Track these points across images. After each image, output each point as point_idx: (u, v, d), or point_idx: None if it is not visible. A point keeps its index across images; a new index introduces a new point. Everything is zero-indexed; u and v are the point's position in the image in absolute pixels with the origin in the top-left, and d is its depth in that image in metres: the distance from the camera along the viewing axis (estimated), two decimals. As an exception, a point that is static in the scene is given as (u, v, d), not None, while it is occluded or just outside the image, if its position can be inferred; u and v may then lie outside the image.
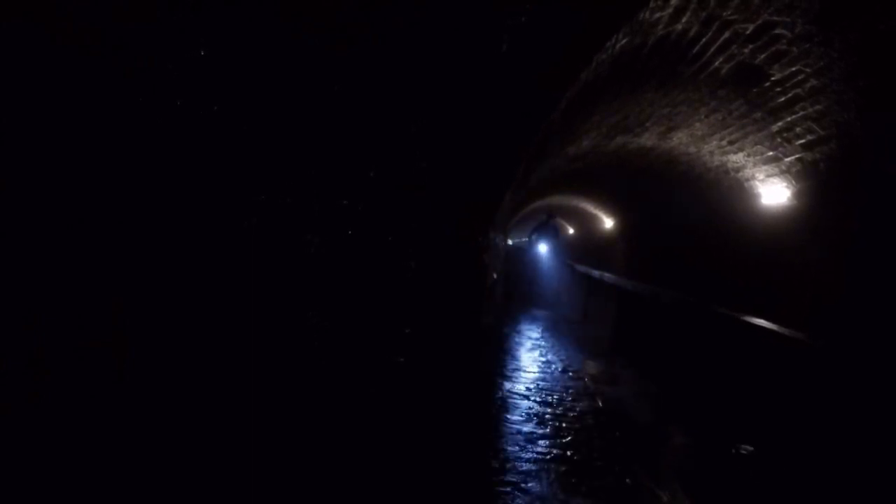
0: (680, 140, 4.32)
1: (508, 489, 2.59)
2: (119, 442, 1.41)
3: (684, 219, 5.74)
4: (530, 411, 4.09)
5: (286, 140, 1.60)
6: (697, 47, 2.62)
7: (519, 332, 8.12)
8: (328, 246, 1.74)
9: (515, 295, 11.99)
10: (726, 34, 2.48)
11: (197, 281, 1.50)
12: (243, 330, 1.58)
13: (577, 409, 4.31)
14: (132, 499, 1.42)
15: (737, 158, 4.06)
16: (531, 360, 6.01)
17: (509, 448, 3.14)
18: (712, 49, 2.64)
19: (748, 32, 2.45)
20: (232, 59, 1.46)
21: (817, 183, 3.47)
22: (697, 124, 3.88)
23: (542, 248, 11.76)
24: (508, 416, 3.88)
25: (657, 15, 2.20)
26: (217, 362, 1.53)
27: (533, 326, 9.00)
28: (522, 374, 5.33)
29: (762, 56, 2.67)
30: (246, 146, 1.54)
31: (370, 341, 1.88)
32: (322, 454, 1.75)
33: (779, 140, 3.45)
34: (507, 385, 4.81)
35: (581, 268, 10.28)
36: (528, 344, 7.13)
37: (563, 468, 2.99)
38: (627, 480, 2.95)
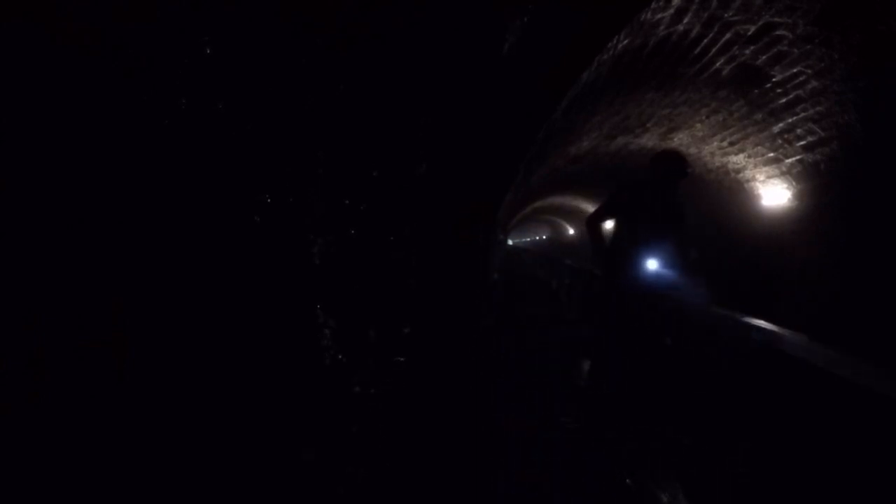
0: (681, 141, 4.32)
1: (513, 492, 2.59)
2: (119, 442, 1.41)
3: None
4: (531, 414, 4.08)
5: (290, 139, 1.60)
6: (699, 48, 2.62)
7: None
8: (331, 245, 1.74)
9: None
10: (728, 35, 2.48)
11: (201, 280, 1.50)
12: (251, 328, 1.58)
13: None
14: (133, 499, 1.42)
15: (737, 160, 4.05)
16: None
17: (510, 449, 3.14)
18: (713, 50, 2.64)
19: (750, 33, 2.45)
20: (234, 60, 1.46)
21: (818, 184, 3.47)
22: (698, 125, 3.88)
23: (652, 265, 3.23)
24: (508, 416, 3.87)
25: (658, 16, 2.20)
26: (224, 361, 1.53)
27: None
28: (524, 370, 5.32)
29: (763, 57, 2.67)
30: (249, 146, 1.53)
31: (372, 340, 1.88)
32: (327, 451, 1.75)
33: (780, 141, 3.45)
34: (507, 383, 4.80)
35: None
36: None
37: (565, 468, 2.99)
38: (627, 481, 2.95)
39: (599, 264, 3.62)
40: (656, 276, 3.26)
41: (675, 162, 2.97)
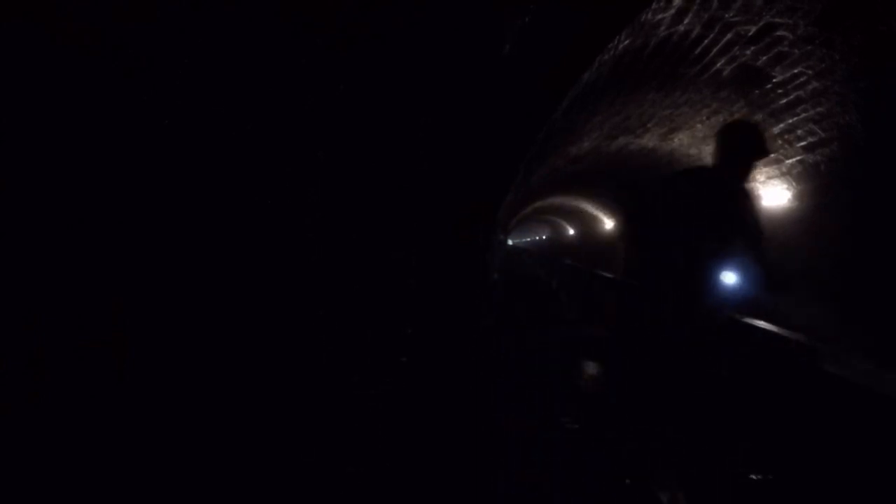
0: (681, 141, 4.31)
1: (513, 492, 2.59)
2: (119, 442, 1.41)
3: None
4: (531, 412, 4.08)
5: (290, 139, 1.60)
6: (699, 49, 2.62)
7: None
8: (331, 245, 1.74)
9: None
10: (728, 36, 2.48)
11: (201, 280, 1.50)
12: (251, 328, 1.58)
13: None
14: (133, 499, 1.42)
15: (738, 160, 4.05)
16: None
17: (510, 449, 3.14)
18: (714, 50, 2.64)
19: (750, 34, 2.45)
20: (234, 60, 1.46)
21: (818, 185, 3.47)
22: (699, 126, 3.88)
23: (730, 278, 2.25)
24: (508, 416, 3.87)
25: (659, 16, 2.20)
26: (224, 361, 1.53)
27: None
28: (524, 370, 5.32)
29: (764, 58, 2.66)
30: (249, 146, 1.53)
31: (372, 340, 1.88)
32: (329, 452, 1.75)
33: (780, 142, 3.45)
34: (507, 383, 4.80)
35: None
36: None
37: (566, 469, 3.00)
38: (627, 481, 2.95)
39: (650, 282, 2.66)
40: (735, 297, 2.44)
41: (753, 136, 2.24)
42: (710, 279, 2.31)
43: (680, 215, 2.27)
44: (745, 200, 2.32)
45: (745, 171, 2.30)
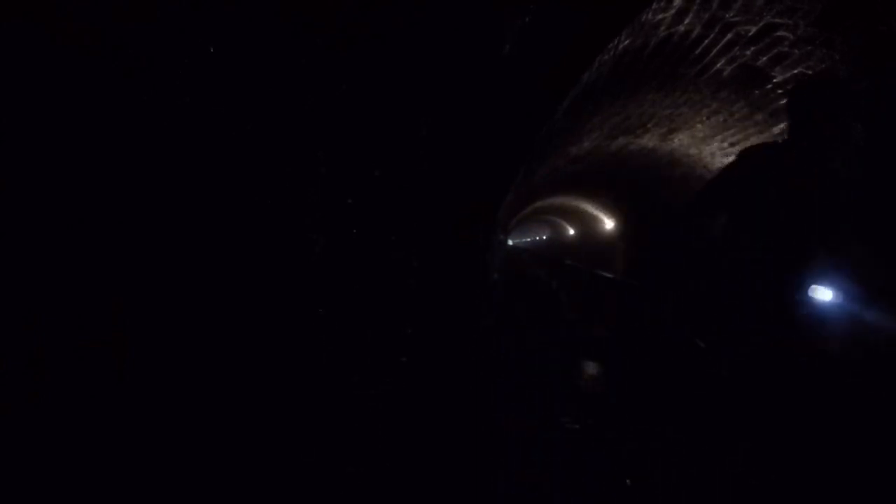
0: (681, 142, 4.31)
1: (513, 492, 2.59)
2: (119, 442, 1.41)
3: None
4: (531, 413, 4.08)
5: (290, 139, 1.60)
6: (699, 49, 2.62)
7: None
8: (331, 245, 1.74)
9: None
10: (728, 36, 2.48)
11: (201, 281, 1.50)
12: (251, 328, 1.58)
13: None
14: (133, 499, 1.42)
15: (738, 160, 4.05)
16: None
17: (510, 449, 3.14)
18: (714, 51, 2.64)
19: (751, 34, 2.45)
20: (234, 60, 1.46)
21: (819, 185, 3.47)
22: (699, 126, 3.88)
23: (825, 295, 1.48)
24: (508, 416, 3.86)
25: (660, 16, 2.20)
26: (225, 361, 1.53)
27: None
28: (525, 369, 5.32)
29: (764, 58, 2.66)
30: (249, 146, 1.53)
31: (372, 340, 1.88)
32: (329, 453, 1.75)
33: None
34: (507, 383, 4.80)
35: None
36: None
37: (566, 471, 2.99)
38: (627, 481, 2.95)
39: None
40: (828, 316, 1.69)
41: (844, 94, 1.62)
42: (789, 292, 1.66)
43: (752, 206, 1.67)
44: (838, 183, 1.66)
45: (837, 143, 1.64)
